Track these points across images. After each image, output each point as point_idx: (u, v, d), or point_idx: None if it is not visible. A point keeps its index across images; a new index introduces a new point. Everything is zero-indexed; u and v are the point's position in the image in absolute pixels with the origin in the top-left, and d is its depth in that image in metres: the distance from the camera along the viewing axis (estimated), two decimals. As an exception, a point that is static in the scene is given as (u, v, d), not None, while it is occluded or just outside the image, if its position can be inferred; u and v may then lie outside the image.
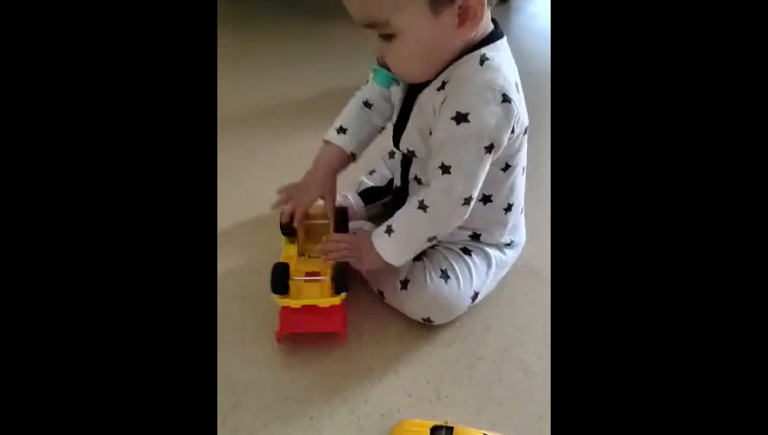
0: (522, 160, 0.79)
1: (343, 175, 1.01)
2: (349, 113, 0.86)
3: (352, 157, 0.85)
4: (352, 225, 0.90)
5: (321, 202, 0.91)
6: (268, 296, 0.74)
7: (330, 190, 0.84)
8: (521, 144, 0.76)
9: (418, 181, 0.81)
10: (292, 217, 0.84)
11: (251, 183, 1.09)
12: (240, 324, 0.76)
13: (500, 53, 0.71)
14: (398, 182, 0.89)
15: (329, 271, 0.77)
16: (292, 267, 0.78)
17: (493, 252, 0.83)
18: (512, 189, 0.80)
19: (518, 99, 0.70)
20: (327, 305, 0.73)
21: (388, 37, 0.67)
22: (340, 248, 0.77)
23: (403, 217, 0.74)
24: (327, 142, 0.85)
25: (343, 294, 0.74)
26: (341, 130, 0.84)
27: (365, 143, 0.86)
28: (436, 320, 0.79)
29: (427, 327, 0.79)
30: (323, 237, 0.81)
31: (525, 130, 0.75)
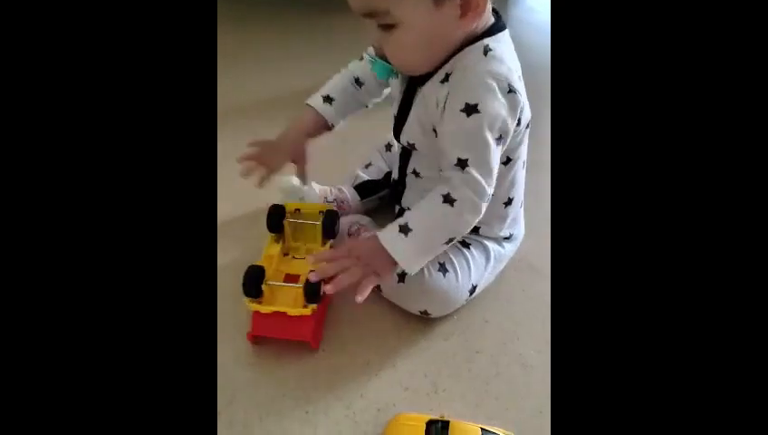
0: (522, 154, 0.78)
1: (339, 168, 1.01)
2: (337, 85, 0.85)
3: (330, 128, 0.85)
4: (349, 219, 0.89)
5: (315, 198, 0.90)
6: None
7: (300, 156, 0.84)
8: (522, 138, 0.75)
9: (417, 175, 0.81)
10: (280, 214, 0.83)
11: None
12: (235, 319, 0.75)
13: (502, 44, 0.70)
14: (395, 175, 0.88)
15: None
16: (272, 267, 0.76)
17: (491, 245, 0.82)
18: (512, 183, 0.79)
19: (522, 90, 0.69)
20: (295, 315, 0.71)
21: (388, 27, 0.66)
22: (343, 267, 0.67)
23: (423, 214, 0.68)
24: (309, 107, 0.84)
25: (313, 306, 0.70)
26: (328, 99, 0.84)
27: (346, 116, 0.87)
28: (434, 313, 0.78)
29: (424, 321, 0.79)
30: (313, 253, 0.77)
31: (527, 124, 0.74)
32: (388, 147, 1.00)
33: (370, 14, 0.65)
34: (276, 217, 0.83)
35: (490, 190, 0.67)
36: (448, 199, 0.66)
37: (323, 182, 0.95)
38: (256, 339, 0.74)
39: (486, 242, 0.82)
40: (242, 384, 0.70)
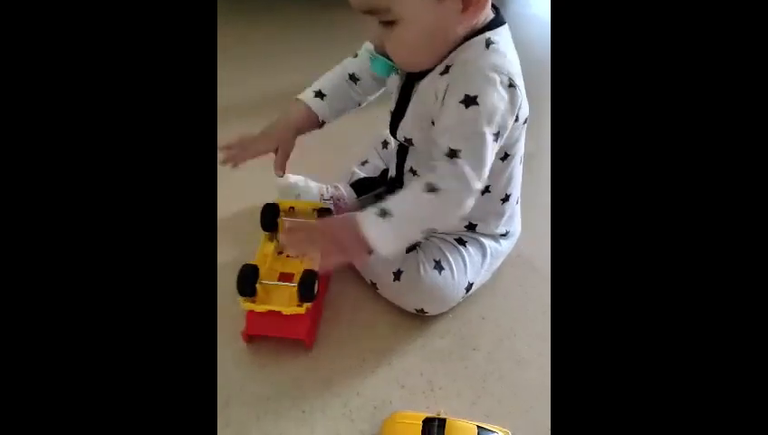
0: (520, 150, 0.78)
1: (335, 166, 1.00)
2: (331, 81, 0.83)
3: (321, 124, 0.83)
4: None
5: (313, 196, 0.90)
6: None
7: (285, 147, 0.80)
8: (520, 133, 0.75)
9: (414, 172, 0.80)
10: (274, 212, 0.82)
11: (246, 173, 1.07)
12: (230, 319, 0.75)
13: (504, 38, 0.69)
14: (392, 173, 0.87)
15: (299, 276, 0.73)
16: (266, 266, 0.76)
17: (488, 242, 0.82)
18: (509, 180, 0.79)
19: (522, 86, 0.68)
20: (290, 314, 0.71)
21: (389, 24, 0.65)
22: (311, 240, 0.66)
23: (404, 200, 0.65)
24: (300, 101, 0.82)
25: (308, 305, 0.70)
26: (320, 94, 0.82)
27: (338, 115, 0.84)
28: (430, 311, 0.78)
29: (420, 318, 0.79)
30: (286, 226, 0.77)
31: (525, 120, 0.74)
32: (385, 144, 0.99)
33: (371, 11, 0.65)
34: (270, 216, 0.83)
35: (478, 185, 0.64)
36: (432, 189, 0.62)
37: (319, 180, 0.95)
38: (251, 338, 0.74)
39: (483, 239, 0.82)
40: (238, 384, 0.70)
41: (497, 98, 0.65)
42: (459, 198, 0.64)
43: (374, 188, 0.97)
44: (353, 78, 0.83)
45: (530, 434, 0.66)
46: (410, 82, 0.75)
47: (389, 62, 0.73)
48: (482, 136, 0.64)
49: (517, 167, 0.79)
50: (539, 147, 1.05)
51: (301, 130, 0.82)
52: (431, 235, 0.82)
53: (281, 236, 0.75)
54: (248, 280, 0.71)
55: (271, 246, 0.81)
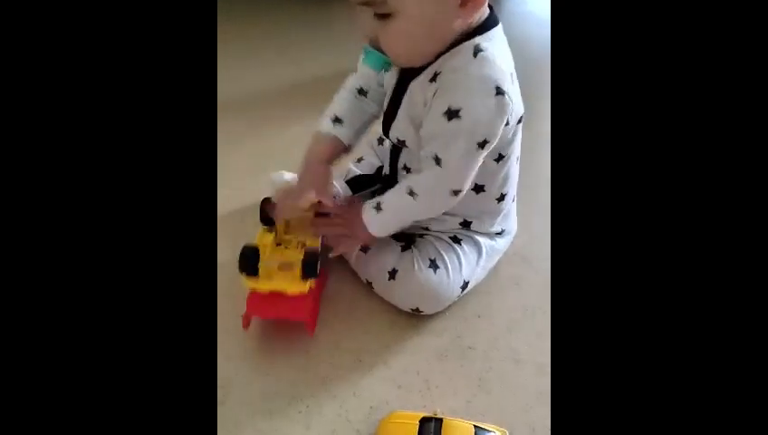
0: (516, 150, 0.77)
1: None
2: (342, 103, 0.81)
3: (348, 148, 0.81)
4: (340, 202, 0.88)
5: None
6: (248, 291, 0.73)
7: (324, 182, 0.79)
8: (515, 134, 0.75)
9: (408, 170, 0.80)
10: (273, 207, 0.82)
11: (236, 172, 1.07)
12: (225, 318, 0.75)
13: (494, 42, 0.68)
14: (387, 170, 0.87)
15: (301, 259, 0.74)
16: (265, 256, 0.75)
17: (483, 240, 0.82)
18: (505, 179, 0.79)
19: (513, 90, 0.67)
20: (295, 293, 0.71)
21: (385, 16, 0.64)
22: (333, 224, 0.78)
23: (392, 199, 0.74)
24: (320, 133, 0.80)
25: (311, 281, 0.71)
26: (337, 120, 0.80)
27: (361, 133, 0.83)
28: (426, 310, 0.78)
29: (416, 317, 0.79)
30: (314, 213, 0.79)
31: (520, 120, 0.73)
32: (380, 141, 0.99)
33: (367, 3, 0.64)
34: (269, 211, 0.82)
35: (461, 188, 0.69)
36: (411, 192, 0.71)
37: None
38: (248, 321, 0.73)
39: (478, 237, 0.81)
40: (234, 383, 0.70)
41: (481, 109, 0.64)
42: (437, 202, 0.72)
43: (370, 185, 0.96)
44: (361, 92, 0.82)
45: (527, 433, 0.66)
46: (404, 81, 0.74)
47: (383, 56, 0.72)
48: (463, 148, 0.66)
49: (513, 166, 0.79)
50: (535, 145, 1.05)
51: (330, 161, 0.81)
52: (426, 232, 0.82)
53: (312, 220, 0.79)
54: (251, 259, 0.71)
55: (269, 237, 0.80)
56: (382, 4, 0.63)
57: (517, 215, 0.88)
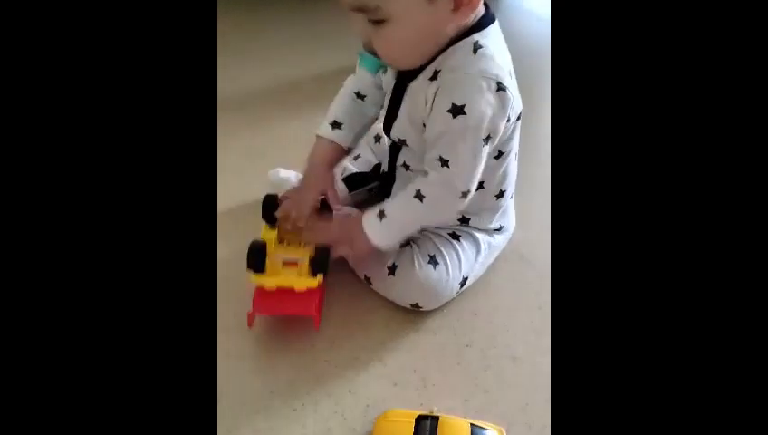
0: (514, 147, 0.77)
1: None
2: (341, 106, 0.83)
3: (348, 151, 0.83)
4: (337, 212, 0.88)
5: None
6: (249, 288, 0.72)
7: (330, 186, 0.82)
8: (513, 130, 0.75)
9: (407, 168, 0.80)
10: (275, 203, 0.82)
11: (229, 170, 1.06)
12: (221, 317, 0.74)
13: (492, 39, 0.68)
14: (385, 168, 0.87)
15: (309, 254, 0.75)
16: (270, 252, 0.75)
17: (481, 236, 0.81)
18: (504, 176, 0.79)
19: (512, 86, 0.68)
20: (303, 288, 0.71)
21: (378, 22, 0.64)
22: (327, 236, 0.76)
23: (397, 205, 0.72)
24: (321, 137, 0.81)
25: (320, 277, 0.71)
26: (336, 124, 0.81)
27: (360, 136, 0.84)
28: (425, 306, 0.78)
29: (413, 314, 0.78)
30: (308, 221, 0.78)
31: (519, 116, 0.73)
32: (377, 138, 0.98)
33: (360, 9, 0.64)
34: (271, 207, 0.82)
35: (470, 189, 0.69)
36: (419, 195, 0.69)
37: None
38: (253, 319, 0.73)
39: (477, 234, 0.81)
40: (229, 381, 0.69)
41: (485, 105, 0.65)
42: (446, 205, 0.71)
43: (366, 183, 0.96)
44: (359, 96, 0.83)
45: (524, 431, 0.65)
46: (402, 81, 0.74)
47: (378, 59, 0.72)
48: (470, 145, 0.66)
49: (512, 163, 0.79)
50: (533, 141, 1.05)
51: (332, 164, 0.82)
52: (425, 228, 0.81)
53: (305, 228, 0.78)
54: (259, 255, 0.71)
55: (272, 234, 0.80)
56: (375, 10, 0.63)
57: (515, 212, 0.88)
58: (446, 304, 0.79)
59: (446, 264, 0.77)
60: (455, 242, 0.79)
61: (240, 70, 1.47)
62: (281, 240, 0.82)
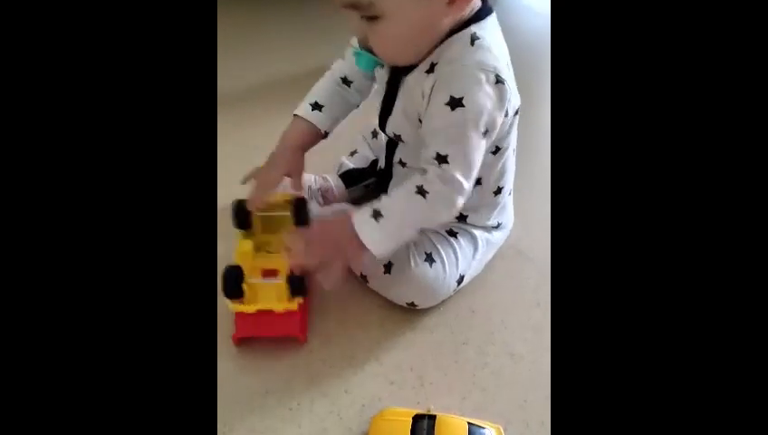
0: (512, 142, 0.76)
1: (323, 156, 0.98)
2: (324, 89, 0.80)
3: (324, 135, 0.80)
4: (333, 208, 0.87)
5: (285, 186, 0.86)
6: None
7: (297, 169, 0.78)
8: (511, 125, 0.73)
9: (403, 165, 0.79)
10: (247, 209, 0.78)
11: (227, 165, 1.04)
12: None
13: (490, 31, 0.67)
14: (382, 164, 0.86)
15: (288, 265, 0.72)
16: (248, 265, 0.73)
17: (479, 233, 0.80)
18: (502, 172, 0.77)
19: (510, 79, 0.66)
20: (282, 310, 0.69)
21: (372, 19, 0.63)
22: (311, 253, 0.67)
23: (396, 202, 0.67)
24: (298, 117, 0.79)
25: (299, 299, 0.69)
26: (317, 106, 0.78)
27: (338, 121, 0.81)
28: (421, 304, 0.77)
29: (410, 312, 0.77)
30: (285, 234, 0.72)
31: (516, 111, 0.72)
32: (375, 134, 0.97)
33: (353, 6, 0.62)
34: (243, 213, 0.78)
35: (469, 184, 0.66)
36: (421, 191, 0.65)
37: (307, 170, 0.92)
38: (241, 341, 0.72)
39: (474, 231, 0.80)
40: (223, 381, 0.68)
41: (483, 97, 0.63)
42: (448, 201, 0.66)
43: (363, 179, 0.95)
44: (345, 81, 0.80)
45: (522, 429, 0.65)
46: (396, 76, 0.72)
47: (374, 56, 0.70)
48: (469, 138, 0.64)
49: (510, 159, 0.78)
50: (531, 136, 1.04)
51: (305, 147, 0.79)
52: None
53: (282, 252, 0.72)
54: (234, 282, 0.69)
55: (248, 244, 0.78)
56: (369, 6, 0.61)
57: (514, 208, 0.87)
58: (443, 301, 0.79)
59: (442, 262, 0.76)
60: (452, 239, 0.78)
61: (240, 66, 1.45)
62: (258, 248, 0.79)
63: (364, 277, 0.79)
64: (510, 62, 0.69)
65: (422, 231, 0.78)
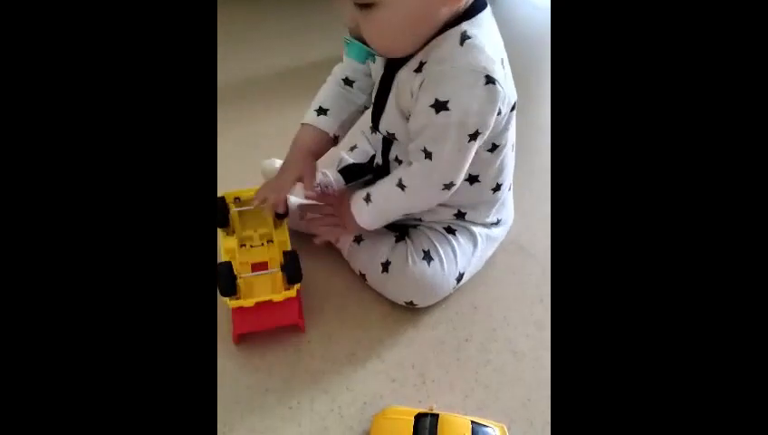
0: (510, 138, 0.75)
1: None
2: (328, 93, 0.79)
3: (335, 140, 0.79)
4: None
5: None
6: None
7: (308, 174, 0.77)
8: (508, 122, 0.72)
9: (399, 162, 0.77)
10: (225, 207, 0.79)
11: (226, 159, 1.04)
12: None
13: (483, 28, 0.65)
14: (379, 160, 0.84)
15: (277, 260, 0.73)
16: (236, 262, 0.73)
17: (478, 230, 0.79)
18: (500, 169, 0.76)
19: (504, 77, 0.64)
20: (281, 299, 0.69)
21: (366, 6, 0.61)
22: (324, 212, 0.78)
23: (381, 191, 0.72)
24: (305, 125, 0.78)
25: (297, 285, 0.69)
26: (321, 110, 0.77)
27: (348, 124, 0.80)
28: (420, 303, 0.76)
29: (411, 310, 0.77)
30: (306, 203, 0.78)
31: (513, 107, 0.70)
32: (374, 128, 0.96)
33: None
34: (223, 212, 0.79)
35: (455, 181, 0.68)
36: (400, 184, 0.69)
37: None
38: (241, 339, 0.71)
39: (473, 228, 0.79)
40: (222, 379, 0.68)
41: (470, 101, 0.62)
42: (427, 196, 0.70)
43: (363, 175, 0.94)
44: (347, 82, 0.79)
45: (525, 427, 0.64)
46: (391, 71, 0.71)
47: (366, 47, 0.68)
48: (453, 141, 0.64)
49: (508, 155, 0.76)
50: (530, 131, 1.03)
51: (317, 153, 0.78)
52: (419, 223, 0.80)
53: (304, 209, 0.80)
54: (229, 278, 0.68)
55: (232, 240, 0.77)
56: None
57: (514, 203, 0.86)
58: (445, 297, 0.78)
59: (440, 260, 0.75)
60: (450, 237, 0.77)
61: (239, 60, 1.44)
62: (242, 244, 0.79)
63: (362, 275, 0.78)
64: (506, 57, 0.67)
65: (420, 228, 0.79)
